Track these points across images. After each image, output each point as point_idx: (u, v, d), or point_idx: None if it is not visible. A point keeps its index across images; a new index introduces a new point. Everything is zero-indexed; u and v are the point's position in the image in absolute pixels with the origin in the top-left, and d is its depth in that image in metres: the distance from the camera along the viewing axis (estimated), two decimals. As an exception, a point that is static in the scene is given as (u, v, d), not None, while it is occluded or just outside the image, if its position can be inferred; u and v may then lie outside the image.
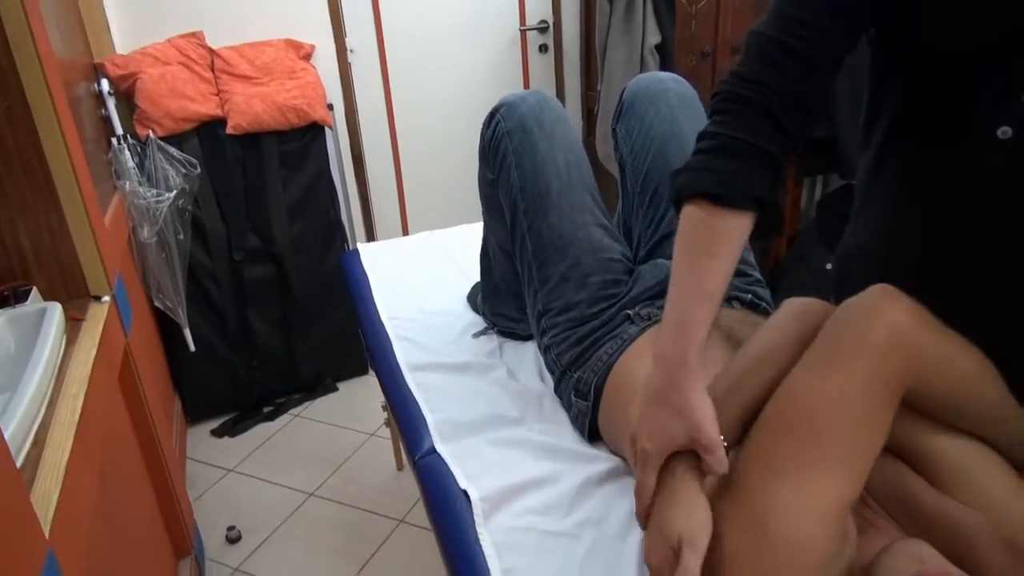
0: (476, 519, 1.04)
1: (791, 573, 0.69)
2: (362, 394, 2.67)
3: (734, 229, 0.83)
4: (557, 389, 1.30)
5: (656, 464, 0.82)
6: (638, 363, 1.13)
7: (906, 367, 0.77)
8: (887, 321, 0.77)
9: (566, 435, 1.22)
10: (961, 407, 0.80)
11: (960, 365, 0.80)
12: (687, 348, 0.82)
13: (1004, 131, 0.78)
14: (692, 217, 0.85)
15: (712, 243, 0.83)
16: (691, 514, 0.78)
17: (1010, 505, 0.74)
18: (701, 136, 0.88)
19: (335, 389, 2.70)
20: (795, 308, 0.88)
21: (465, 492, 1.09)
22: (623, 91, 1.40)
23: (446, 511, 1.09)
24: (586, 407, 1.18)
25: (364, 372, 2.76)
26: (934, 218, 0.88)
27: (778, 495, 0.73)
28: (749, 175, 0.83)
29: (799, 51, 0.82)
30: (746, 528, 0.74)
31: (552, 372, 1.31)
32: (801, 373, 0.80)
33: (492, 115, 1.38)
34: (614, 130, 1.42)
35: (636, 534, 1.00)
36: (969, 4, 0.76)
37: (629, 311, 1.21)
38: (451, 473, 1.14)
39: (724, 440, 0.80)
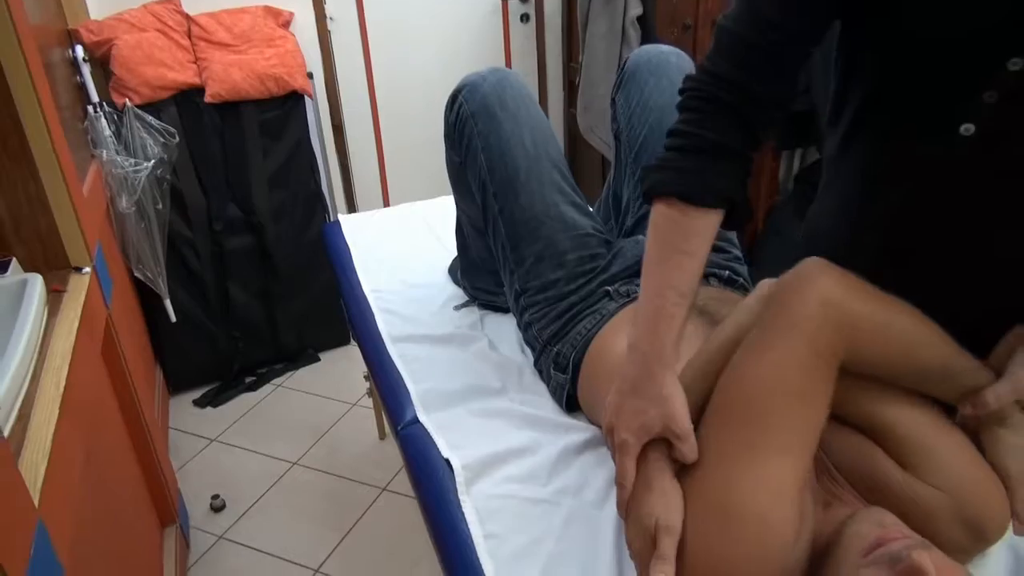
0: (458, 487, 1.07)
1: (756, 549, 0.72)
2: (344, 364, 2.69)
3: (705, 227, 0.87)
4: (537, 363, 1.32)
5: (635, 453, 0.85)
6: (617, 338, 1.15)
7: (839, 336, 0.79)
8: (816, 293, 0.80)
9: (546, 406, 1.25)
10: (906, 369, 0.82)
11: (897, 328, 0.82)
12: (662, 343, 0.85)
13: (967, 128, 0.79)
14: (664, 214, 0.88)
15: (685, 241, 0.86)
16: (665, 500, 0.81)
17: (967, 484, 0.78)
18: (671, 133, 0.90)
19: (317, 359, 2.72)
20: (765, 291, 0.91)
21: (447, 461, 1.11)
22: (625, 62, 1.40)
23: (429, 479, 1.12)
24: (565, 380, 1.21)
25: (346, 342, 2.77)
26: (894, 206, 0.89)
27: (732, 477, 0.76)
28: (718, 174, 0.86)
29: (770, 52, 0.83)
30: (707, 512, 0.77)
31: (532, 347, 1.33)
32: (741, 355, 0.83)
33: (454, 98, 1.38)
34: (613, 100, 1.43)
35: (613, 502, 1.03)
36: None
37: (608, 288, 1.23)
38: (434, 442, 1.16)
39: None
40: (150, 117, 2.26)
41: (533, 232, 1.27)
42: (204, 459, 2.27)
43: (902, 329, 0.82)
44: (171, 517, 1.85)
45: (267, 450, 2.28)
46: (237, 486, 2.13)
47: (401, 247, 1.85)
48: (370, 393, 2.22)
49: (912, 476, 0.79)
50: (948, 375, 0.82)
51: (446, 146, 1.42)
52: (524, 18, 3.00)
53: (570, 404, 1.23)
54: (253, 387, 2.58)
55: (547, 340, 1.26)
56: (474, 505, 1.05)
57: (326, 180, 2.67)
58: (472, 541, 0.99)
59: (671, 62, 1.37)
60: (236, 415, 2.45)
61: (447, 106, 1.38)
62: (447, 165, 1.45)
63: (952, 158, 0.81)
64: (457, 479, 1.08)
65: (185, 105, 2.36)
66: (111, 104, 2.25)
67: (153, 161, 2.25)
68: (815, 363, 0.78)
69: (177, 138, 2.30)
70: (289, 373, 2.65)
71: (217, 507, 2.06)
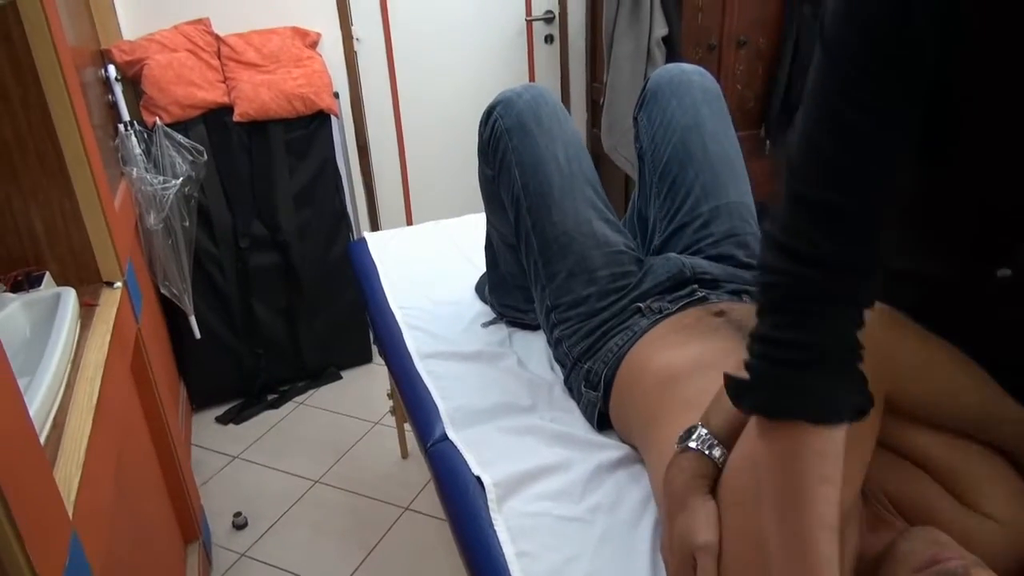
0: (490, 504, 1.06)
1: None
2: (366, 382, 2.69)
3: (839, 444, 0.72)
4: (567, 380, 1.31)
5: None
6: (649, 355, 1.15)
7: (880, 371, 0.74)
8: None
9: (577, 423, 1.24)
10: (948, 411, 0.80)
11: (937, 369, 0.79)
12: None
13: (1003, 272, 0.71)
14: (788, 437, 0.73)
15: (823, 467, 0.71)
16: (702, 519, 0.81)
17: (1020, 515, 0.76)
18: (764, 339, 0.74)
19: (339, 377, 2.72)
20: None
21: (478, 478, 1.10)
22: (647, 81, 1.41)
23: (459, 497, 1.11)
24: (596, 397, 1.20)
25: (368, 360, 2.77)
26: (904, 304, 0.82)
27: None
28: (844, 386, 0.72)
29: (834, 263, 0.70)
30: (746, 543, 0.77)
31: (563, 364, 1.32)
32: None
33: (489, 113, 1.39)
34: (635, 119, 1.43)
35: (648, 520, 1.02)
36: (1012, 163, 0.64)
37: (640, 304, 1.23)
38: (464, 459, 1.15)
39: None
40: (179, 135, 2.29)
41: (565, 248, 1.27)
42: (226, 476, 2.27)
43: (943, 370, 0.79)
44: (194, 534, 1.85)
45: (289, 468, 2.27)
46: (259, 504, 2.13)
47: (427, 265, 1.85)
48: (393, 411, 2.22)
49: (964, 505, 0.78)
50: (989, 421, 0.80)
51: (480, 161, 1.42)
52: (548, 39, 3.02)
53: (601, 422, 1.22)
54: (275, 404, 2.58)
55: (578, 357, 1.25)
56: (506, 523, 1.04)
57: (350, 199, 2.68)
58: (505, 559, 0.98)
59: (693, 81, 1.37)
60: (258, 432, 2.45)
61: (482, 121, 1.39)
62: (480, 180, 1.45)
63: (978, 294, 0.75)
64: (488, 496, 1.07)
65: (214, 124, 2.38)
66: (141, 123, 2.29)
67: (181, 179, 2.27)
68: None
69: (205, 156, 2.33)
70: (311, 391, 2.65)
71: (239, 525, 2.05)
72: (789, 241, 0.70)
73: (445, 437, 1.22)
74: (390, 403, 2.21)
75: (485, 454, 1.16)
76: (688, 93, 1.34)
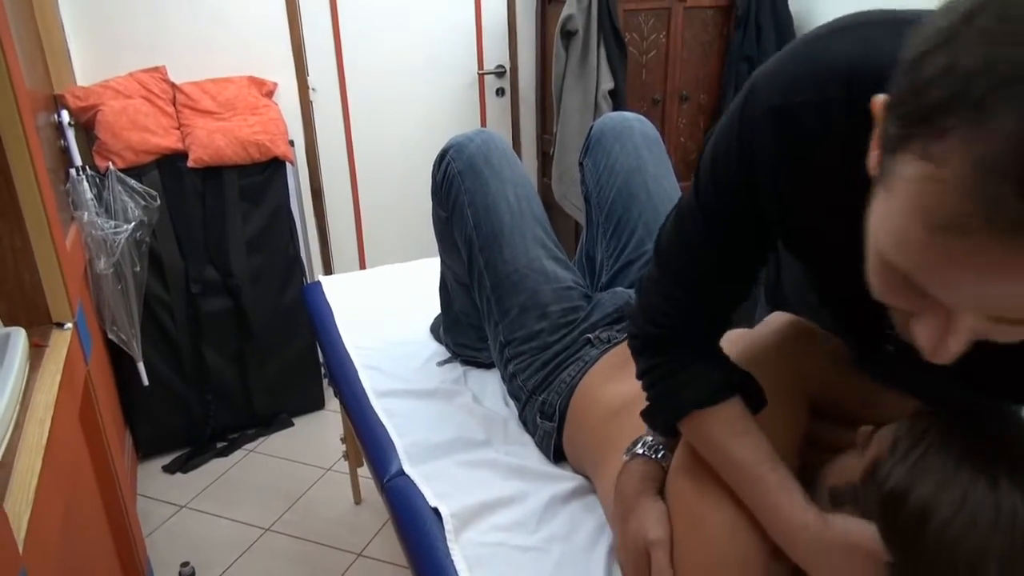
0: (447, 535, 1.07)
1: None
2: (318, 429, 2.66)
3: (737, 412, 0.84)
4: (522, 414, 1.34)
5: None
6: (598, 385, 1.20)
7: (796, 375, 0.90)
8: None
9: (531, 456, 1.26)
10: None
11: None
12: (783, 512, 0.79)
13: (889, 348, 0.76)
14: (696, 428, 0.86)
15: (733, 428, 0.83)
16: (650, 516, 0.87)
17: None
18: (642, 375, 0.91)
19: (291, 424, 2.69)
20: (775, 325, 0.96)
21: (435, 510, 1.12)
22: (591, 128, 1.48)
23: (417, 529, 1.12)
24: (551, 428, 1.23)
25: (320, 407, 2.75)
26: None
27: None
28: (710, 373, 0.85)
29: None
30: (685, 525, 0.84)
31: (517, 399, 1.35)
32: None
33: (442, 157, 1.44)
34: (581, 164, 1.50)
35: (602, 547, 1.05)
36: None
37: (590, 335, 1.27)
38: (420, 493, 1.17)
39: None
40: (132, 180, 2.28)
41: (517, 285, 1.31)
42: (173, 526, 2.21)
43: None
44: (139, 584, 1.80)
45: (238, 516, 2.23)
46: (207, 553, 2.08)
47: (382, 307, 1.87)
48: (346, 456, 2.20)
49: None
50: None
51: (433, 203, 1.46)
52: (500, 92, 3.12)
53: (556, 453, 1.25)
54: (224, 452, 2.53)
55: (532, 389, 1.28)
56: (463, 552, 1.05)
57: (304, 244, 2.69)
58: (463, 584, 0.99)
59: (634, 127, 1.45)
60: (207, 481, 2.40)
61: (435, 165, 1.44)
62: (433, 221, 1.49)
63: (875, 356, 0.82)
64: (446, 527, 1.08)
65: (167, 169, 2.39)
66: (94, 168, 2.28)
67: (133, 223, 2.26)
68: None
69: (158, 201, 2.32)
70: (262, 438, 2.61)
71: (187, 575, 2.00)
72: (647, 313, 0.89)
73: (402, 472, 1.23)
74: (343, 448, 2.20)
75: (441, 487, 1.17)
76: (630, 139, 1.42)
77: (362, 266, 3.06)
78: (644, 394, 0.93)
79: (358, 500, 2.25)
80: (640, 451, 0.96)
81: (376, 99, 2.91)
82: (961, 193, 0.43)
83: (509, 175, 1.38)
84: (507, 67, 3.07)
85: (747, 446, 0.81)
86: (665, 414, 0.90)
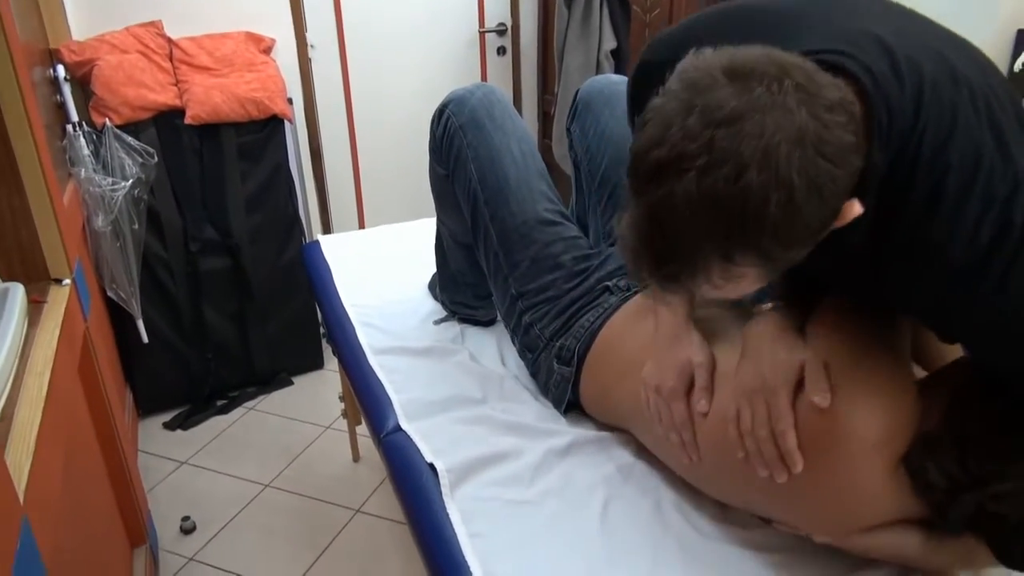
0: (443, 490, 1.08)
1: None
2: (318, 388, 2.68)
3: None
4: (535, 363, 1.32)
5: (683, 394, 1.01)
6: (621, 330, 1.20)
7: None
8: None
9: (528, 413, 1.27)
10: None
11: None
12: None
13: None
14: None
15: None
16: (695, 344, 1.02)
17: None
18: None
19: (290, 383, 2.70)
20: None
21: (431, 465, 1.13)
22: (577, 92, 1.45)
23: (413, 484, 1.13)
24: (569, 373, 1.23)
25: (320, 367, 2.76)
26: None
27: None
28: None
29: None
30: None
31: (532, 349, 1.33)
32: None
33: (441, 111, 1.42)
34: (568, 130, 1.47)
35: (596, 501, 1.07)
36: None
37: (608, 283, 1.26)
38: (417, 448, 1.18)
39: None
40: (129, 137, 2.27)
41: (525, 237, 1.30)
42: (174, 481, 2.24)
43: None
44: (141, 538, 1.83)
45: (238, 472, 2.25)
46: (208, 508, 2.11)
47: (380, 266, 1.87)
48: (344, 414, 2.22)
49: None
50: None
51: (431, 160, 1.45)
52: (501, 51, 3.08)
53: (568, 403, 1.26)
54: (225, 410, 2.55)
55: (550, 336, 1.27)
56: (459, 507, 1.06)
57: (303, 203, 2.69)
58: (458, 540, 1.01)
59: (623, 91, 1.42)
60: (207, 438, 2.43)
61: (434, 120, 1.42)
62: (431, 179, 1.48)
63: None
64: (441, 482, 1.10)
65: (165, 126, 2.37)
66: (90, 124, 2.26)
67: (131, 181, 2.25)
68: None
69: (156, 158, 2.31)
70: (262, 396, 2.63)
71: (187, 529, 2.03)
72: None
73: (399, 428, 1.24)
74: (342, 406, 2.22)
75: (437, 443, 1.18)
76: (619, 103, 1.39)
77: (361, 225, 3.05)
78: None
79: (356, 458, 2.28)
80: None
81: (375, 57, 2.88)
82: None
83: (512, 128, 1.37)
84: (508, 25, 3.03)
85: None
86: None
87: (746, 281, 0.69)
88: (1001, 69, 2.40)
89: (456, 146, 1.37)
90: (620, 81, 1.44)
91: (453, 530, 1.02)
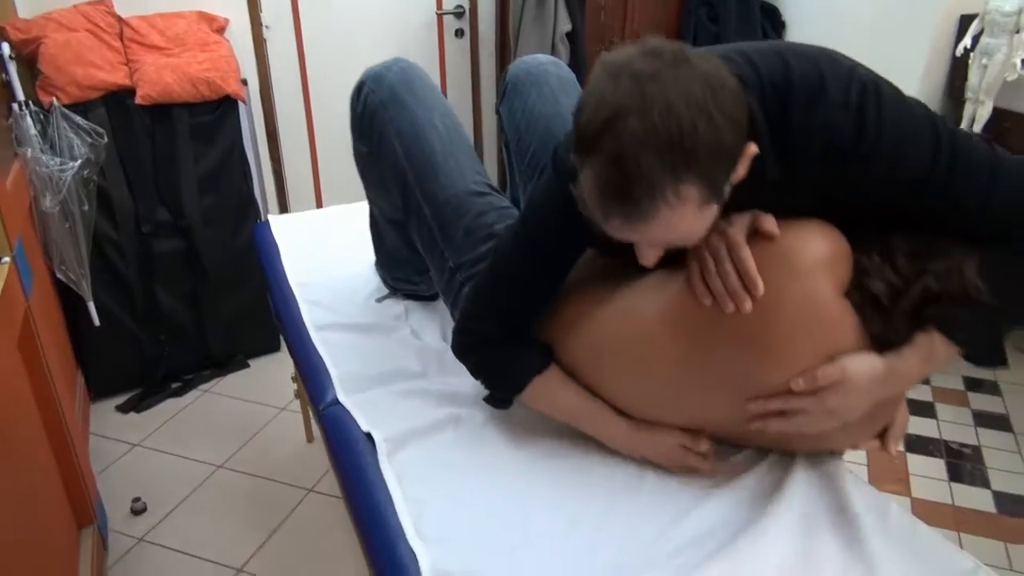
0: (380, 457, 1.10)
1: None
2: (274, 370, 2.67)
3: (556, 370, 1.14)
4: None
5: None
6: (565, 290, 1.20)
7: None
8: None
9: (466, 385, 1.28)
10: None
11: None
12: None
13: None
14: (538, 387, 1.14)
15: (562, 382, 1.14)
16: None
17: None
18: (475, 374, 1.19)
19: (246, 366, 2.69)
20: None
21: (368, 435, 1.14)
22: (505, 73, 1.46)
23: (350, 453, 1.15)
24: None
25: (276, 349, 2.75)
26: None
27: None
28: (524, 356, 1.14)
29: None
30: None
31: None
32: None
33: (359, 89, 1.41)
34: (498, 111, 1.47)
35: (538, 469, 1.09)
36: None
37: None
38: (354, 420, 1.19)
39: None
40: (78, 117, 2.24)
41: (458, 208, 1.30)
42: (126, 464, 2.23)
43: None
44: (88, 518, 1.81)
45: (191, 454, 2.25)
46: (159, 489, 2.10)
47: (330, 245, 1.87)
48: (297, 395, 2.22)
49: None
50: None
51: (354, 139, 1.45)
52: (459, 33, 3.08)
53: None
54: (179, 393, 2.54)
55: None
56: (395, 472, 1.08)
57: (259, 185, 2.67)
58: (393, 505, 1.02)
59: (550, 72, 1.44)
60: (161, 421, 2.41)
61: (352, 98, 1.42)
62: (355, 158, 1.47)
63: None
64: (379, 450, 1.11)
65: (115, 106, 2.34)
66: (37, 103, 2.23)
67: (80, 161, 2.22)
68: None
69: (105, 139, 2.28)
70: (217, 379, 2.62)
71: (138, 510, 2.02)
72: (468, 324, 1.17)
73: (336, 401, 1.25)
74: (295, 387, 2.22)
75: (375, 415, 1.20)
76: (546, 83, 1.40)
77: (318, 206, 3.04)
78: (601, 302, 1.11)
79: (310, 438, 2.28)
80: None
81: (331, 38, 2.86)
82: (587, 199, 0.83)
83: (433, 102, 1.37)
84: (466, 7, 3.02)
85: (577, 390, 1.13)
86: (508, 386, 1.17)
87: (692, 205, 0.79)
88: (944, 54, 2.43)
89: (378, 123, 1.36)
90: (548, 62, 1.45)
91: (389, 495, 1.04)
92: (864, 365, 0.91)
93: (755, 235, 0.95)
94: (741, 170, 0.85)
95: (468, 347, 1.18)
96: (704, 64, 0.79)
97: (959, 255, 0.90)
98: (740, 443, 1.12)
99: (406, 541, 0.97)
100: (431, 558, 0.94)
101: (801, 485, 1.02)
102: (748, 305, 0.91)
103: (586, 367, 1.12)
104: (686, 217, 0.81)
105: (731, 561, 0.89)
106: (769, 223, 0.94)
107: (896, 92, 0.90)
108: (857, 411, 0.94)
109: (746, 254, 0.92)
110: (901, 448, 0.98)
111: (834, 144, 0.88)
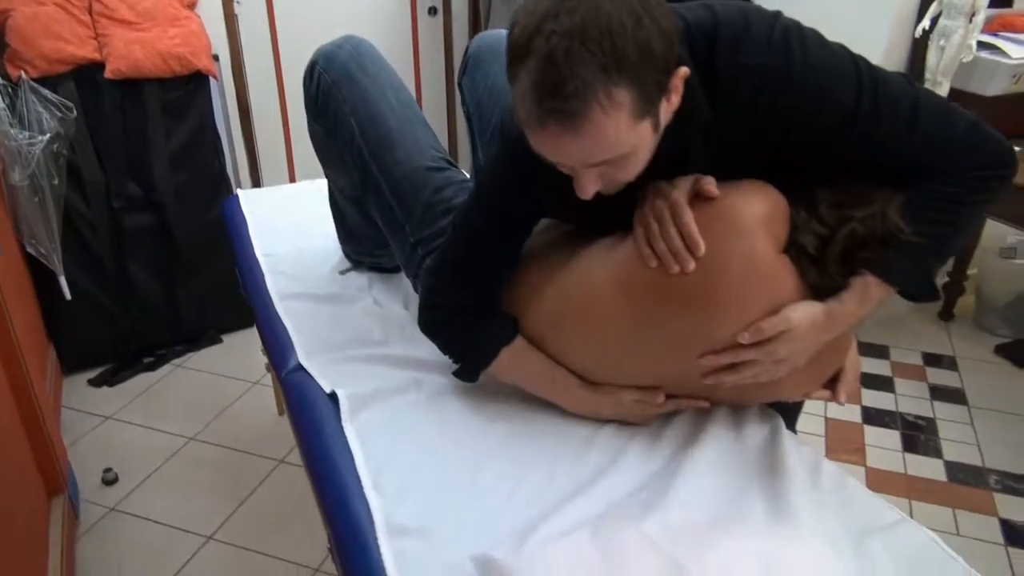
0: (342, 416, 1.13)
1: None
2: (246, 346, 2.68)
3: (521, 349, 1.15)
4: None
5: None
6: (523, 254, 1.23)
7: None
8: None
9: (428, 351, 1.30)
10: None
11: None
12: None
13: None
14: (509, 359, 1.15)
15: (526, 352, 1.15)
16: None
17: None
18: (444, 350, 1.21)
19: (219, 341, 2.71)
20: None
21: (331, 395, 1.17)
22: (467, 47, 1.46)
23: (310, 416, 1.18)
24: None
25: (249, 324, 2.76)
26: None
27: None
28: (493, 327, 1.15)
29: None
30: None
31: None
32: None
33: (311, 69, 1.42)
34: (460, 85, 1.47)
35: (496, 431, 1.13)
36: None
37: None
38: (316, 384, 1.22)
39: None
40: (46, 91, 2.24)
41: (416, 184, 1.32)
42: (98, 436, 2.25)
43: None
44: (59, 487, 1.84)
45: (163, 427, 2.27)
46: (131, 461, 2.12)
47: (299, 218, 1.89)
48: (268, 368, 2.25)
49: None
50: None
51: (309, 119, 1.46)
52: (432, 11, 3.08)
53: None
54: (152, 367, 2.55)
55: None
56: (357, 432, 1.11)
57: (231, 162, 2.67)
58: (353, 461, 1.06)
59: None
60: (133, 394, 2.43)
61: (305, 78, 1.43)
62: (312, 138, 1.49)
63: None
64: (341, 408, 1.15)
65: (84, 81, 2.33)
66: (5, 76, 2.22)
67: (49, 135, 2.22)
68: None
69: (75, 113, 2.28)
70: (190, 354, 2.64)
71: (109, 480, 2.05)
72: (433, 298, 1.18)
73: (299, 366, 1.28)
74: (266, 360, 2.24)
75: (337, 378, 1.23)
76: None
77: (292, 182, 3.05)
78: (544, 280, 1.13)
79: (281, 411, 2.31)
80: None
81: (304, 13, 2.86)
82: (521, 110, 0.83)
83: (386, 79, 1.39)
84: (440, -14, 3.03)
85: (540, 359, 1.14)
86: (477, 360, 1.17)
87: (625, 112, 0.80)
88: (905, 35, 2.45)
89: (332, 103, 1.38)
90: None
91: (348, 453, 1.07)
92: (805, 312, 0.96)
93: (697, 198, 0.98)
94: (675, 97, 0.87)
95: (435, 323, 1.19)
96: None
97: (882, 198, 0.95)
98: (697, 398, 1.15)
99: (362, 495, 1.00)
100: (385, 512, 0.98)
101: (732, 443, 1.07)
102: (691, 266, 0.95)
103: (548, 334, 1.14)
104: (620, 125, 0.81)
105: (667, 510, 0.93)
106: (709, 184, 0.97)
107: (818, 35, 0.94)
108: (804, 356, 0.99)
109: (688, 217, 0.96)
110: (850, 408, 1.03)
111: (762, 82, 0.92)
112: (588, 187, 0.91)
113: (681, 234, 0.96)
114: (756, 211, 0.97)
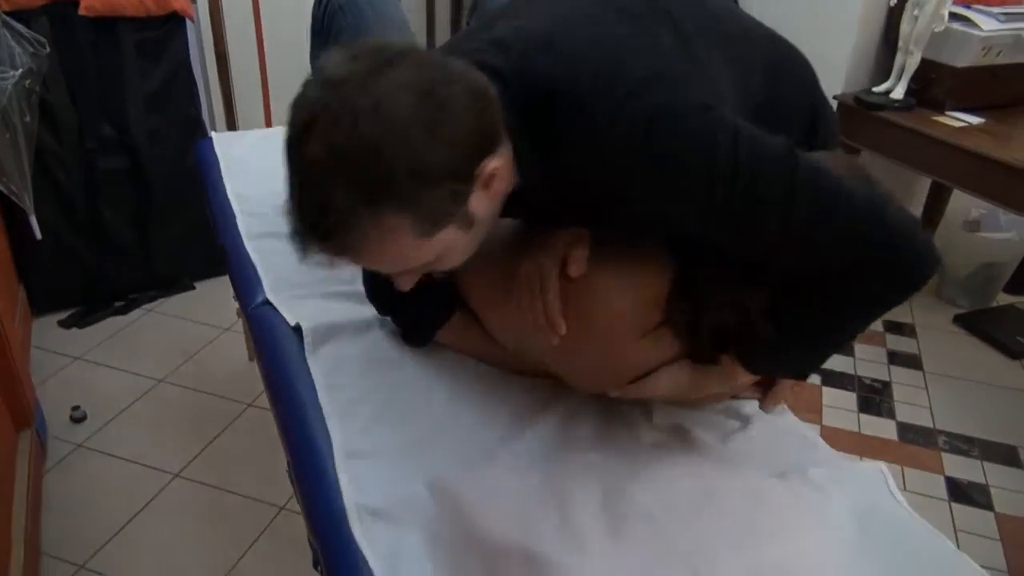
0: (306, 348, 1.16)
1: None
2: (219, 293, 2.67)
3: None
4: None
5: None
6: None
7: None
8: None
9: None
10: None
11: None
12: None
13: None
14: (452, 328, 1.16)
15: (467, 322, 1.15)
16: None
17: None
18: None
19: (192, 288, 2.71)
20: None
21: (296, 328, 1.19)
22: None
23: (275, 349, 1.20)
24: None
25: (222, 272, 2.76)
26: None
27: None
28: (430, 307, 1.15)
29: None
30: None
31: None
32: None
33: None
34: (468, 24, 1.51)
35: (454, 370, 1.16)
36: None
37: None
38: (282, 318, 1.24)
39: None
40: (19, 25, 2.20)
41: None
42: (67, 375, 2.25)
43: None
44: (26, 422, 1.85)
45: (133, 368, 2.28)
46: (100, 400, 2.14)
47: (272, 161, 1.86)
48: (239, 315, 2.26)
49: None
50: None
51: (312, 44, 1.47)
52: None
53: None
54: (123, 311, 2.56)
55: None
56: (320, 364, 1.14)
57: (207, 106, 2.65)
58: (315, 391, 1.09)
59: None
60: (103, 336, 2.43)
61: (316, 1, 1.44)
62: (311, 64, 1.50)
63: None
64: (305, 340, 1.17)
65: (57, 17, 2.29)
66: (-24, 8, 2.18)
67: (21, 71, 2.19)
68: None
69: (47, 49, 2.25)
70: (161, 299, 2.64)
71: (77, 418, 2.06)
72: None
73: (266, 301, 1.30)
74: (238, 306, 2.25)
75: (303, 312, 1.24)
76: None
77: (268, 125, 3.02)
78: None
79: (252, 357, 2.32)
80: None
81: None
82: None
83: (391, 12, 1.41)
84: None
85: (479, 336, 1.14)
86: (415, 340, 1.18)
87: (404, 235, 0.73)
88: (881, 3, 2.46)
89: (335, 28, 1.40)
90: None
91: (310, 384, 1.10)
92: (671, 377, 0.96)
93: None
94: (497, 184, 0.78)
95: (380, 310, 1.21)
96: (426, 70, 0.71)
97: (756, 295, 0.89)
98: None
99: (323, 422, 1.03)
100: (343, 437, 1.01)
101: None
102: (555, 340, 0.93)
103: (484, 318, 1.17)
104: (402, 247, 0.74)
105: (615, 439, 0.97)
106: (577, 262, 0.92)
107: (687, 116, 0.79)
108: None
109: (551, 297, 0.93)
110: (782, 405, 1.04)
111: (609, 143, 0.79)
112: (404, 285, 0.87)
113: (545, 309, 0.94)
114: (621, 305, 0.93)
